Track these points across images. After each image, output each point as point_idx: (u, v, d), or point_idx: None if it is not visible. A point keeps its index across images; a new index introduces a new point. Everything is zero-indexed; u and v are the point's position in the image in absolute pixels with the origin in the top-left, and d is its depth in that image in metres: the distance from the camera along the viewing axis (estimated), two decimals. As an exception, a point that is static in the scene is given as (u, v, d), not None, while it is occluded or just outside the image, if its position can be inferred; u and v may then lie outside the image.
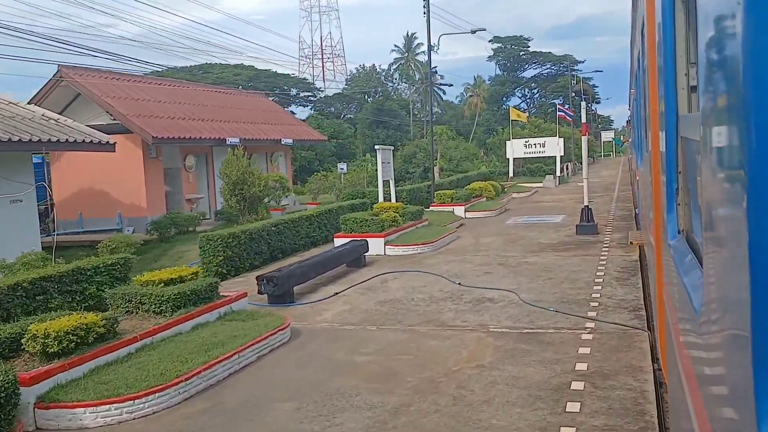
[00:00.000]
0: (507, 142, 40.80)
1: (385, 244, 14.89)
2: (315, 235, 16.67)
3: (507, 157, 40.46)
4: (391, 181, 19.16)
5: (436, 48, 31.73)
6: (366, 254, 13.67)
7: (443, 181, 29.73)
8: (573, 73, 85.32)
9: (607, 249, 13.44)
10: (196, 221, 21.76)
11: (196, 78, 54.64)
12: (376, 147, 18.72)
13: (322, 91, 70.26)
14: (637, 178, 14.03)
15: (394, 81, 77.20)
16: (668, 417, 4.61)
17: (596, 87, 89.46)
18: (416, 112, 70.68)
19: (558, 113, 43.19)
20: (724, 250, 1.20)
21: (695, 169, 2.25)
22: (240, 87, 46.20)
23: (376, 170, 38.27)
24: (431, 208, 22.11)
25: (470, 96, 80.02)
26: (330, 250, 13.13)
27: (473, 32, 29.96)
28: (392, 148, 21.53)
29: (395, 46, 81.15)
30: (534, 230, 17.21)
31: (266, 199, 21.19)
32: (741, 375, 1.03)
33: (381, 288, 10.98)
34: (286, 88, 63.17)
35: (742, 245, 0.99)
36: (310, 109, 66.17)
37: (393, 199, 19.00)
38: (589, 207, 16.12)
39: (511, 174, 38.93)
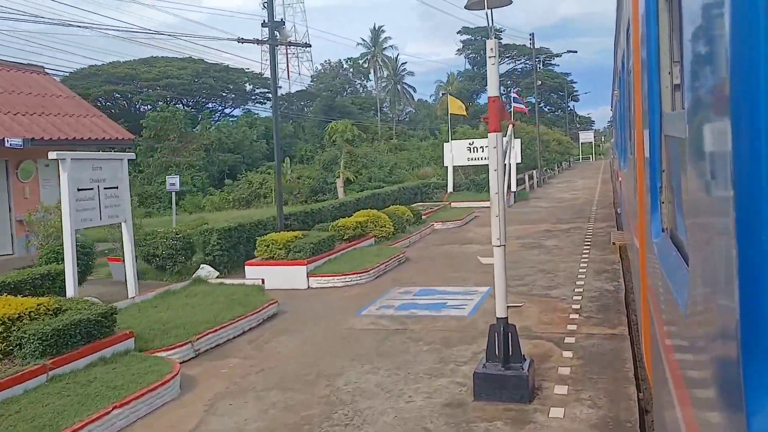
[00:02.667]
0: (444, 144, 31.60)
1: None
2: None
3: (445, 164, 31.30)
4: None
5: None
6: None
7: (348, 199, 23.49)
8: (549, 67, 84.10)
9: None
10: None
11: (137, 72, 53.14)
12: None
13: (280, 87, 69.71)
14: (620, 179, 14.30)
15: (362, 77, 76.87)
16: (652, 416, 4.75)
17: (574, 83, 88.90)
18: (386, 110, 70.53)
19: (513, 105, 32.90)
20: (710, 248, 1.25)
21: (679, 168, 2.38)
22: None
23: (299, 177, 36.69)
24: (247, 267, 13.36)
25: (443, 94, 79.81)
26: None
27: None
28: None
29: (362, 39, 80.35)
30: (394, 355, 7.98)
31: None
32: (729, 373, 1.07)
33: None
34: (239, 83, 62.16)
35: (728, 242, 1.04)
36: (271, 107, 65.24)
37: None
38: (509, 328, 6.49)
39: (450, 188, 30.31)
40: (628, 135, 6.38)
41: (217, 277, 12.65)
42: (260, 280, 11.69)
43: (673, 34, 2.57)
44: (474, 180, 30.86)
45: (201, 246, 14.57)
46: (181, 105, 56.81)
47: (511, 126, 6.73)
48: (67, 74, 48.52)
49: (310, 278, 12.68)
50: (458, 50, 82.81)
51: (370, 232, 16.84)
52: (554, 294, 10.65)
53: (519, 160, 29.92)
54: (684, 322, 1.71)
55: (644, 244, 3.69)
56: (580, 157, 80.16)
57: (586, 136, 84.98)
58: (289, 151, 48.56)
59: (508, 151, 6.50)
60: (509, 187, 27.35)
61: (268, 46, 16.88)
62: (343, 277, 12.63)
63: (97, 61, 34.28)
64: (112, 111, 52.46)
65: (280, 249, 13.16)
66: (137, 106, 52.37)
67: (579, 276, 11.94)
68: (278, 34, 16.12)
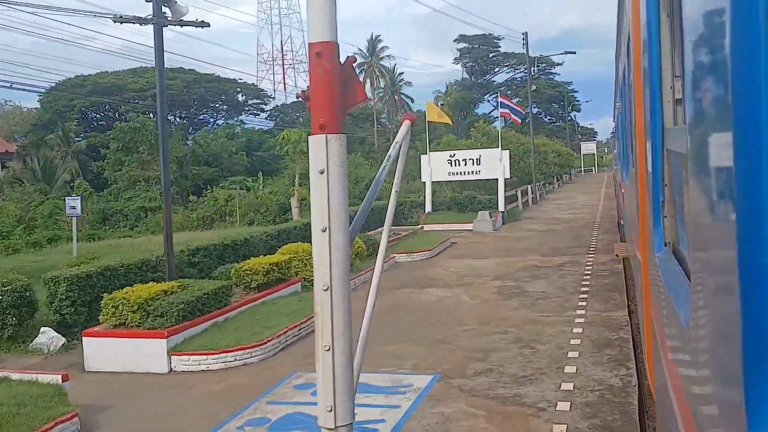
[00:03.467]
0: (421, 157, 27.82)
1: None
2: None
3: (422, 180, 27.63)
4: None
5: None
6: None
7: (293, 225, 20.18)
8: (550, 76, 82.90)
9: None
10: None
11: (124, 83, 52.66)
12: None
13: (272, 98, 68.62)
14: (623, 190, 14.26)
15: None
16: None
17: (575, 92, 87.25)
18: (384, 122, 70.33)
19: (500, 110, 29.95)
20: (712, 262, 1.26)
21: (681, 182, 2.42)
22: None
23: (271, 193, 34.67)
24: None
25: (442, 105, 78.62)
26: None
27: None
28: None
29: (358, 49, 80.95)
30: None
31: None
32: (731, 388, 1.08)
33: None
34: (232, 94, 61.79)
35: (731, 257, 1.04)
36: (267, 118, 64.82)
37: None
38: None
39: (428, 208, 26.73)
40: (630, 147, 6.43)
41: (44, 352, 9.99)
42: (61, 377, 7.88)
43: (674, 48, 2.62)
44: (456, 198, 27.13)
45: (47, 299, 11.04)
46: (173, 117, 56.26)
47: (407, 122, 2.86)
48: (53, 84, 48.62)
49: (172, 357, 9.10)
50: (455, 59, 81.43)
51: (295, 274, 13.11)
52: (529, 396, 7.02)
53: (508, 175, 26.87)
54: (686, 336, 1.74)
55: (647, 258, 3.73)
56: (582, 169, 79.13)
57: (588, 148, 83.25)
58: (273, 163, 46.39)
59: (398, 164, 2.86)
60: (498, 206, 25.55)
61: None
62: (223, 354, 9.08)
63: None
64: (101, 123, 52.34)
65: (134, 312, 9.44)
66: (127, 118, 52.24)
67: (570, 355, 8.35)
68: (168, 12, 12.84)
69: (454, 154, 27.77)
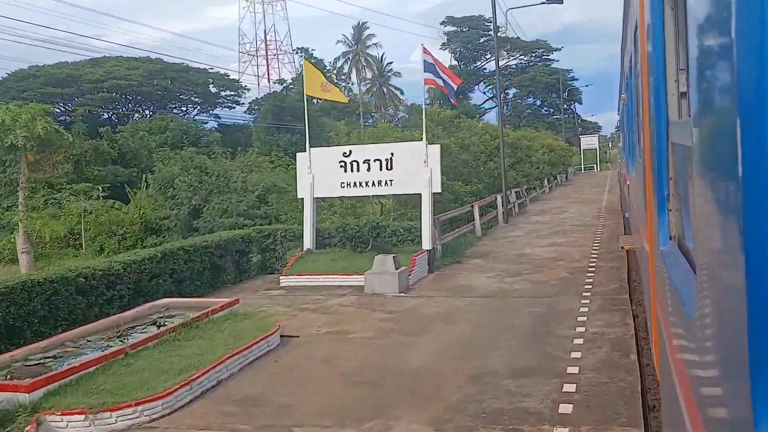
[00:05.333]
0: (298, 156, 17.82)
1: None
2: None
3: (299, 196, 17.58)
4: None
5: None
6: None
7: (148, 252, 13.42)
8: (547, 63, 78.97)
9: None
10: None
11: (81, 73, 50.76)
12: None
13: (247, 89, 65.62)
14: (627, 183, 14.22)
15: (343, 78, 75.87)
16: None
17: (575, 79, 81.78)
18: (372, 114, 69.28)
19: (424, 76, 17.15)
20: (718, 255, 1.32)
21: (686, 175, 2.53)
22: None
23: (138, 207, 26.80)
24: None
25: (430, 98, 75.63)
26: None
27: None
28: None
29: (343, 36, 78.54)
30: None
31: None
32: (737, 381, 1.13)
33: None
34: (204, 85, 58.88)
35: (736, 250, 1.09)
36: (247, 112, 62.94)
37: None
38: None
39: (307, 243, 16.35)
40: (636, 139, 6.53)
41: None
42: None
43: (679, 41, 2.73)
44: (347, 228, 16.28)
45: None
46: (143, 110, 54.16)
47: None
48: (6, 74, 47.42)
49: None
50: (443, 44, 77.21)
51: None
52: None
53: (438, 189, 15.97)
54: (692, 329, 1.80)
55: (653, 252, 3.84)
56: (582, 166, 72.86)
57: (589, 142, 74.69)
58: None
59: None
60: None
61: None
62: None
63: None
64: (59, 119, 50.68)
65: None
66: (93, 113, 49.44)
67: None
68: None
69: (350, 152, 16.78)
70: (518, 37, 74.89)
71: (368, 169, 16.37)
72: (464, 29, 75.07)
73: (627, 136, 12.25)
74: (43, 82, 49.23)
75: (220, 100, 61.57)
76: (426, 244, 15.58)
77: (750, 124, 1.04)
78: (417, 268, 14.68)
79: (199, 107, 61.41)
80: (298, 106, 42.16)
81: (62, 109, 50.06)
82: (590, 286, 12.48)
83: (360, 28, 76.97)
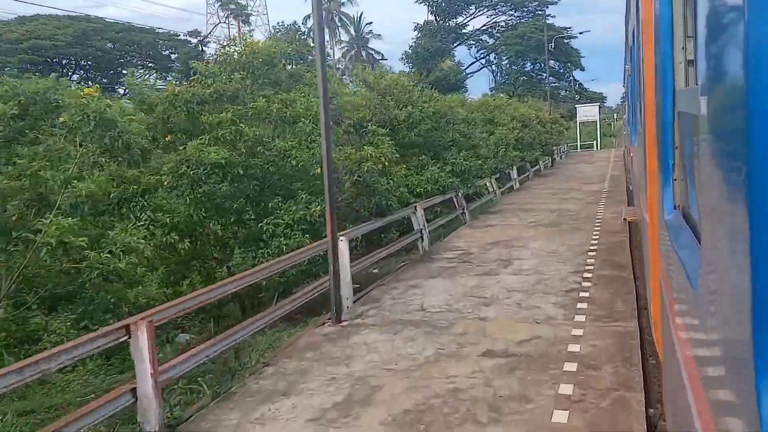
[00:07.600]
0: None
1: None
2: None
3: None
4: None
5: None
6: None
7: None
8: (540, 15, 66.25)
9: None
10: None
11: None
12: None
13: (203, 52, 56.70)
14: (631, 154, 14.24)
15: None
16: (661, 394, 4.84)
17: (572, 37, 69.39)
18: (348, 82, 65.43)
19: None
20: (723, 225, 1.31)
21: (692, 144, 2.52)
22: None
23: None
24: None
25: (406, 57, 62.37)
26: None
27: None
28: None
29: None
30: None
31: None
32: (740, 351, 1.14)
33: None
34: (154, 47, 52.92)
35: (742, 220, 1.09)
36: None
37: None
38: None
39: None
40: (639, 110, 6.52)
41: None
42: None
43: (687, 8, 2.69)
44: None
45: None
46: (70, 75, 47.02)
47: None
48: None
49: None
50: None
51: None
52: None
53: None
54: (696, 300, 1.80)
55: (655, 221, 3.85)
56: (578, 144, 57.10)
57: (587, 113, 57.65)
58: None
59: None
60: None
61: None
62: None
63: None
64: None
65: None
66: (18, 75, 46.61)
67: None
68: None
69: None
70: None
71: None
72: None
73: (631, 107, 12.19)
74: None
75: (175, 64, 54.30)
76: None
77: (760, 93, 1.04)
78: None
79: (156, 73, 56.62)
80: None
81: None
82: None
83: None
